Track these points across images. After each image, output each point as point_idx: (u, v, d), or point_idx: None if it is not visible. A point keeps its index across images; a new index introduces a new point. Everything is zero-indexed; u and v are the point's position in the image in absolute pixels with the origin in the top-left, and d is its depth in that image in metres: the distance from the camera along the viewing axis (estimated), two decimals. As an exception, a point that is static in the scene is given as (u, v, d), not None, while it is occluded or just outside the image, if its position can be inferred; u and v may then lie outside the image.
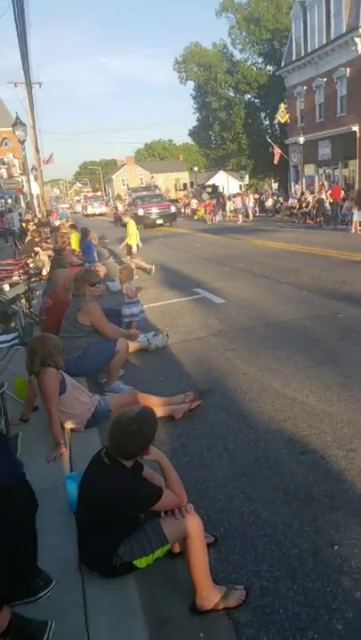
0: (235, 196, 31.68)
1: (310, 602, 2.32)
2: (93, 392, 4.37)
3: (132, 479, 2.32)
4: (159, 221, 26.11)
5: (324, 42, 26.60)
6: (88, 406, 3.86)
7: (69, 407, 3.70)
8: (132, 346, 5.78)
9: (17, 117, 19.94)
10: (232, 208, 30.83)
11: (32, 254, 11.80)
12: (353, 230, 17.04)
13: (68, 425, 3.70)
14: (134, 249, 12.73)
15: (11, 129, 20.94)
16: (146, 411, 2.41)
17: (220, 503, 3.09)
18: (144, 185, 59.38)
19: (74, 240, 12.58)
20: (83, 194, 65.13)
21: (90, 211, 50.61)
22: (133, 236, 12.67)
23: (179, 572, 2.48)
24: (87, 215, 49.56)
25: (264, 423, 4.04)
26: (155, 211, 26.41)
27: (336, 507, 2.95)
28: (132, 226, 12.82)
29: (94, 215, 48.67)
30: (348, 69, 25.07)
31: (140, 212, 25.56)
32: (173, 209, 27.94)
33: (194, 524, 2.34)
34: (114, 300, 7.52)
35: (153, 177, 74.96)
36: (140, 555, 2.30)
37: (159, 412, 4.10)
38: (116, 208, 36.72)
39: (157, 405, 4.15)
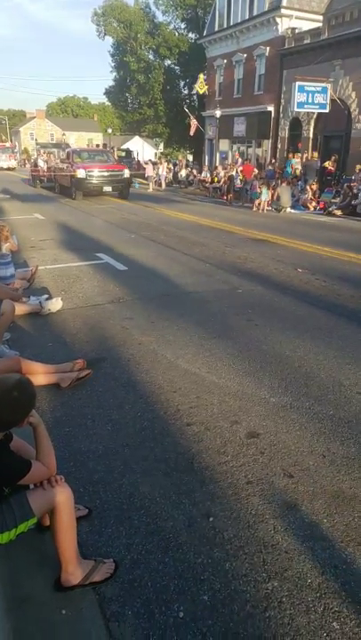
0: (146, 163, 30.81)
1: (180, 574, 2.30)
2: (-25, 356, 4.06)
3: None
4: (107, 188, 19.10)
5: (247, 17, 26.57)
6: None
7: None
8: (22, 308, 5.48)
9: None
10: (146, 175, 28.65)
11: None
12: (255, 208, 17.47)
13: None
14: None
15: None
16: (24, 379, 2.25)
17: (98, 474, 2.98)
18: (54, 141, 56.20)
19: None
20: None
21: None
22: None
23: (46, 548, 2.34)
24: None
25: (153, 394, 3.98)
26: (100, 173, 18.95)
27: (215, 479, 2.97)
28: None
29: (1, 169, 42.70)
30: (268, 48, 25.30)
31: (81, 173, 18.54)
32: (127, 173, 20.14)
33: (62, 496, 2.22)
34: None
35: (64, 134, 71.51)
36: (2, 529, 2.14)
37: (44, 379, 3.91)
38: (36, 165, 27.83)
39: (42, 373, 3.95)
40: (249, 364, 4.57)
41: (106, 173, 19.13)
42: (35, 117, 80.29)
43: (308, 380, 4.23)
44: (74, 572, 2.20)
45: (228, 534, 2.55)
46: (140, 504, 2.75)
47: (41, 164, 26.99)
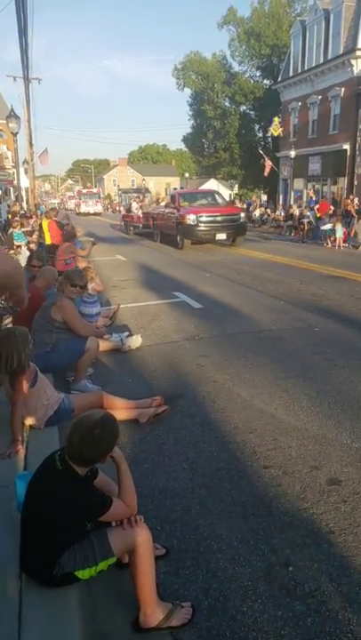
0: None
1: (259, 625, 2.21)
2: (59, 389, 4.23)
3: (82, 489, 2.18)
4: (220, 236, 16.04)
5: (322, 61, 27.04)
6: (51, 404, 3.71)
7: (31, 402, 3.53)
8: (105, 345, 5.68)
9: (11, 109, 19.77)
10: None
11: (14, 246, 11.60)
12: (329, 245, 17.17)
13: (28, 421, 3.55)
14: None
15: (5, 121, 20.67)
16: (108, 416, 2.29)
17: (175, 514, 2.96)
18: (135, 187, 59.07)
19: (46, 227, 12.24)
20: (77, 189, 59.97)
21: (83, 209, 45.14)
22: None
23: (125, 585, 2.34)
24: (80, 214, 43.77)
25: (229, 433, 3.94)
26: (211, 218, 15.89)
27: (295, 525, 2.85)
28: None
29: (88, 214, 43.63)
30: (342, 89, 25.50)
31: (191, 219, 15.67)
32: (242, 216, 17.05)
33: (142, 537, 2.21)
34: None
35: (144, 179, 75.10)
36: (83, 566, 2.16)
37: (124, 414, 3.99)
38: (129, 210, 24.94)
39: (123, 408, 4.04)
40: (329, 406, 4.40)
41: (219, 218, 16.00)
42: (117, 165, 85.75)
43: (393, 426, 3.99)
44: (152, 614, 2.17)
45: (309, 587, 2.42)
46: (217, 547, 2.69)
47: (135, 209, 24.56)
